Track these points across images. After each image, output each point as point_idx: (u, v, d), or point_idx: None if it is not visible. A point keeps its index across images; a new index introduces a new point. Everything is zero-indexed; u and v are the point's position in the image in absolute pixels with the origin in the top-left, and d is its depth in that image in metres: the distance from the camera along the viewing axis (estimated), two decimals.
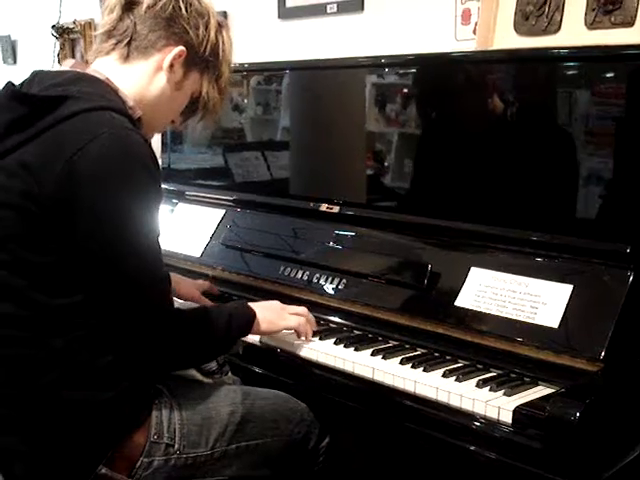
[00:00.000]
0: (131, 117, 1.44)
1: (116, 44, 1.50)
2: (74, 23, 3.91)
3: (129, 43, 1.49)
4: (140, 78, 1.51)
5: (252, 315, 1.60)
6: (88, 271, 1.35)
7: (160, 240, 1.43)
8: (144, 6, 1.48)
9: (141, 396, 1.46)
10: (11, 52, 4.66)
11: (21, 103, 1.38)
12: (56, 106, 1.35)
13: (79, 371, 1.38)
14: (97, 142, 1.32)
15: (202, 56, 1.54)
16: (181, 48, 1.50)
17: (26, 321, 1.36)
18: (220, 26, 1.57)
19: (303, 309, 1.74)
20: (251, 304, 1.64)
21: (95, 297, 1.37)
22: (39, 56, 4.27)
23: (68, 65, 1.51)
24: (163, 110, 1.56)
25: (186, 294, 1.94)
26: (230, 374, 1.69)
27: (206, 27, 1.53)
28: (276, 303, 1.72)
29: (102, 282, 1.37)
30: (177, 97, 1.56)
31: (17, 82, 1.47)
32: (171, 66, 1.51)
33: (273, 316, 1.66)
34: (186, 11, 1.50)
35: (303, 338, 1.71)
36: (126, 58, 1.50)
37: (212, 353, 1.59)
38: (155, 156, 1.42)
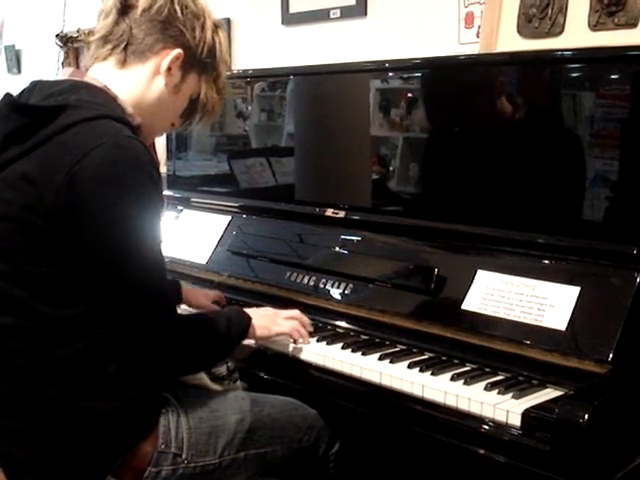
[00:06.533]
0: (130, 124, 1.43)
1: (112, 49, 1.49)
2: (78, 32, 3.92)
3: (126, 48, 1.48)
4: (138, 83, 1.50)
5: (248, 320, 1.62)
6: (91, 281, 1.35)
7: (162, 247, 1.43)
8: (139, 10, 1.47)
9: (147, 404, 1.45)
10: (15, 61, 4.68)
11: (20, 114, 1.37)
12: (55, 116, 1.34)
13: (84, 381, 1.38)
14: (97, 152, 1.30)
15: (199, 58, 1.53)
16: (178, 51, 1.49)
17: (29, 332, 1.35)
18: (216, 26, 1.57)
19: (296, 312, 1.75)
20: (245, 310, 1.65)
21: (98, 307, 1.37)
22: (43, 65, 4.29)
23: (66, 74, 1.50)
24: (162, 114, 1.56)
25: (196, 303, 1.94)
26: (239, 381, 1.69)
27: (202, 28, 1.52)
28: (269, 309, 1.73)
29: (105, 291, 1.36)
30: (176, 100, 1.55)
31: (18, 92, 1.46)
32: (169, 69, 1.50)
33: (267, 322, 1.67)
34: (182, 13, 1.49)
35: (301, 341, 1.71)
36: (123, 63, 1.49)
37: (213, 358, 1.60)
38: (155, 163, 1.41)
